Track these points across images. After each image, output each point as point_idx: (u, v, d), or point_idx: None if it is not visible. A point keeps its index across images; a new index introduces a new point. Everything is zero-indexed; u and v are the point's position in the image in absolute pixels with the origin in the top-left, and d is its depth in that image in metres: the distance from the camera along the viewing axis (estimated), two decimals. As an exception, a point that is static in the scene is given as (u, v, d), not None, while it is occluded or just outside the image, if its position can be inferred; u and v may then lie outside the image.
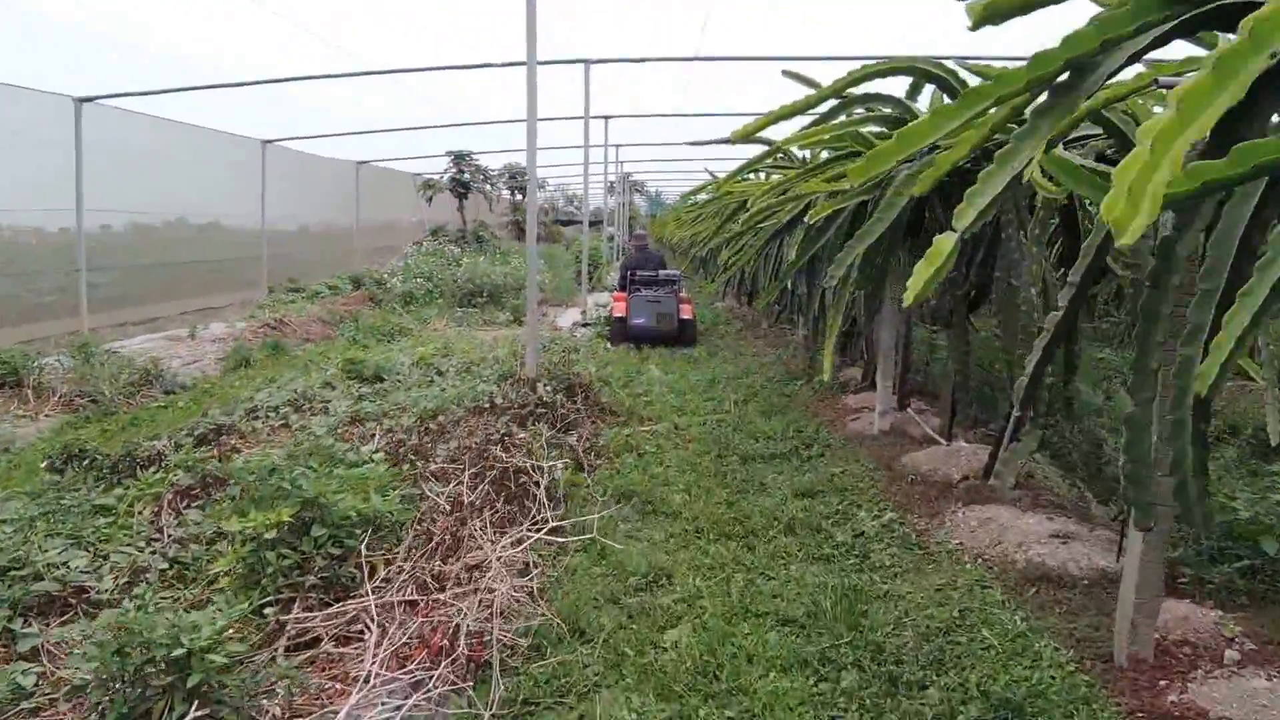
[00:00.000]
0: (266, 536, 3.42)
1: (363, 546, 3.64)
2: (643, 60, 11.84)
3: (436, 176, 23.12)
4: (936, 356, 7.98)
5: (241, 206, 17.13)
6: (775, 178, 7.71)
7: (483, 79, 30.00)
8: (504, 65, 12.14)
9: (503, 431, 5.66)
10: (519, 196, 32.23)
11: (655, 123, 25.65)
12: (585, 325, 12.42)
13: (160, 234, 15.04)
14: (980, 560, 4.23)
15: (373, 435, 5.88)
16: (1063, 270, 4.80)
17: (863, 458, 5.92)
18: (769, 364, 9.45)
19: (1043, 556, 4.07)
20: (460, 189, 22.97)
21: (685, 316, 11.52)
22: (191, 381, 8.77)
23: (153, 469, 5.19)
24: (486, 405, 6.31)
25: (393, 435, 5.71)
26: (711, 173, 14.18)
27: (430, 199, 22.57)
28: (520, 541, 3.99)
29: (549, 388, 7.10)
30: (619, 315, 11.54)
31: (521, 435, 5.62)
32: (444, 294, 15.46)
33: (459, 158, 22.78)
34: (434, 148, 23.86)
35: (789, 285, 8.72)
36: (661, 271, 12.10)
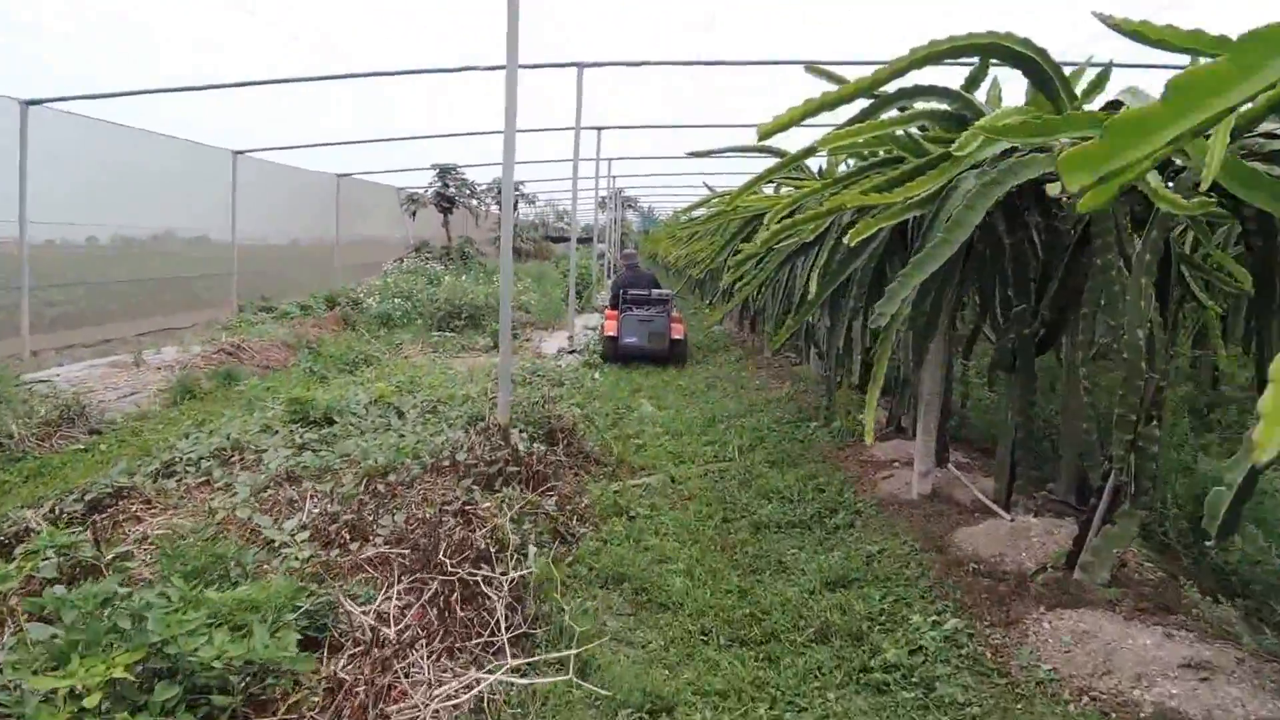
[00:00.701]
0: (87, 705, 2.29)
1: (238, 705, 2.51)
2: (641, 64, 10.77)
3: (421, 191, 22.00)
4: (975, 398, 6.88)
5: (211, 221, 16.00)
6: (786, 191, 6.64)
7: (470, 90, 28.90)
8: (488, 69, 11.08)
9: (464, 500, 4.53)
10: (508, 212, 31.16)
11: (650, 137, 24.70)
12: (572, 352, 11.28)
13: (119, 249, 13.90)
14: (1088, 700, 3.12)
15: (307, 497, 4.75)
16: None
17: (903, 531, 4.80)
18: (776, 400, 8.33)
19: (1177, 700, 2.97)
20: (445, 204, 21.88)
21: (676, 336, 11.35)
22: (123, 418, 7.61)
23: (18, 550, 4.04)
24: (447, 462, 5.18)
25: (329, 503, 4.57)
26: (710, 187, 13.11)
27: (414, 213, 21.46)
28: (470, 687, 2.86)
29: (525, 434, 5.99)
30: (610, 334, 11.33)
31: (486, 505, 4.49)
32: (423, 315, 14.33)
33: (444, 171, 21.70)
34: (419, 160, 22.81)
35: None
36: (654, 291, 11.87)
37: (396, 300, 14.93)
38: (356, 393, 6.91)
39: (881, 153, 4.76)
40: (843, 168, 6.61)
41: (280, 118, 20.97)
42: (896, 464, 5.79)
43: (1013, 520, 4.48)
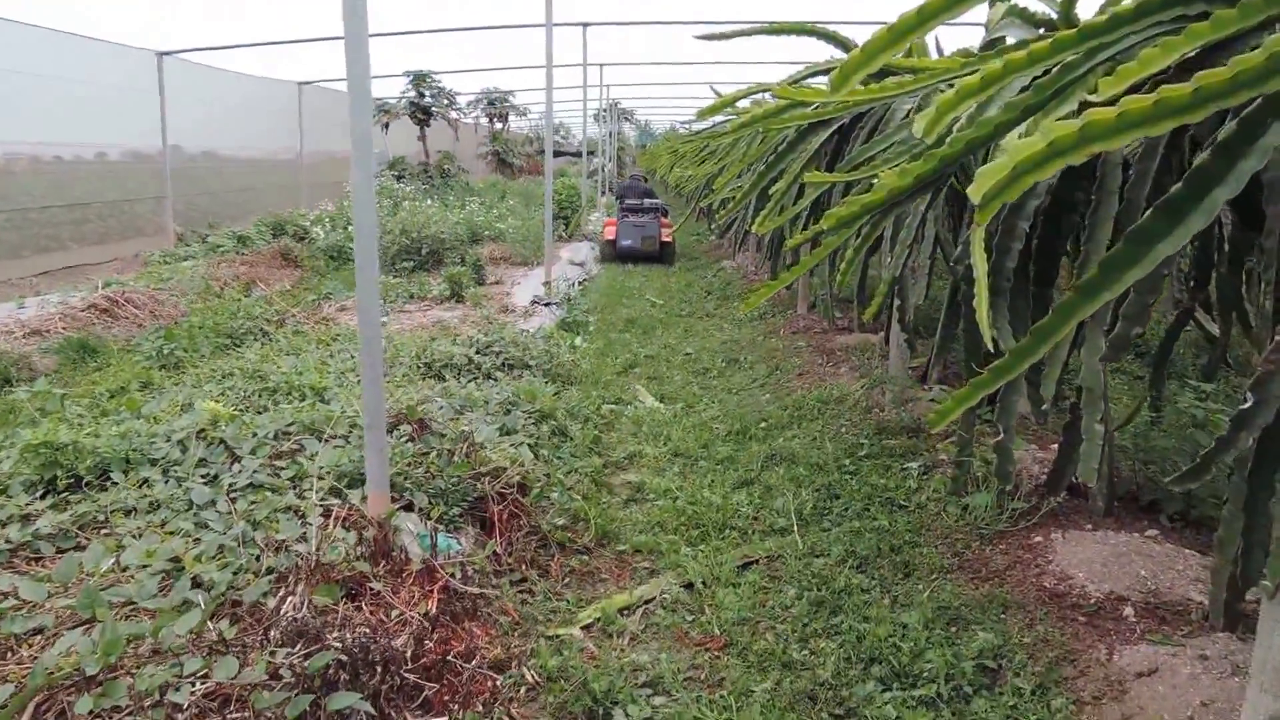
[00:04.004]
0: None
1: None
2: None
3: (393, 101, 18.59)
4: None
5: (145, 138, 12.82)
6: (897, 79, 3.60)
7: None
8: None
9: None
10: (498, 124, 27.64)
11: (645, 37, 21.12)
12: (548, 304, 8.37)
13: (25, 171, 10.79)
14: None
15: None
16: None
17: None
18: (834, 403, 5.41)
19: None
20: (421, 115, 18.48)
21: (665, 239, 12.97)
22: None
23: None
24: (251, 616, 2.34)
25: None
26: (719, 94, 9.94)
27: (386, 126, 18.10)
28: None
29: (430, 517, 3.18)
30: (609, 238, 13.09)
31: None
32: (383, 249, 11.35)
33: (419, 79, 18.23)
34: (393, 66, 19.32)
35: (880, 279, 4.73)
36: (646, 200, 13.25)
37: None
38: (177, 421, 4.01)
39: None
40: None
41: (239, 13, 17.53)
42: (1128, 612, 2.86)
43: None
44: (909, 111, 3.95)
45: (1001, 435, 2.83)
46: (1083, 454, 2.39)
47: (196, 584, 2.67)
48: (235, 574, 2.70)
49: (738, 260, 11.92)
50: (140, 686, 2.13)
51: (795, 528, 3.78)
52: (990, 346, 2.27)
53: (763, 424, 5.21)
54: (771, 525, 3.84)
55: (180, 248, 12.08)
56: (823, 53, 6.08)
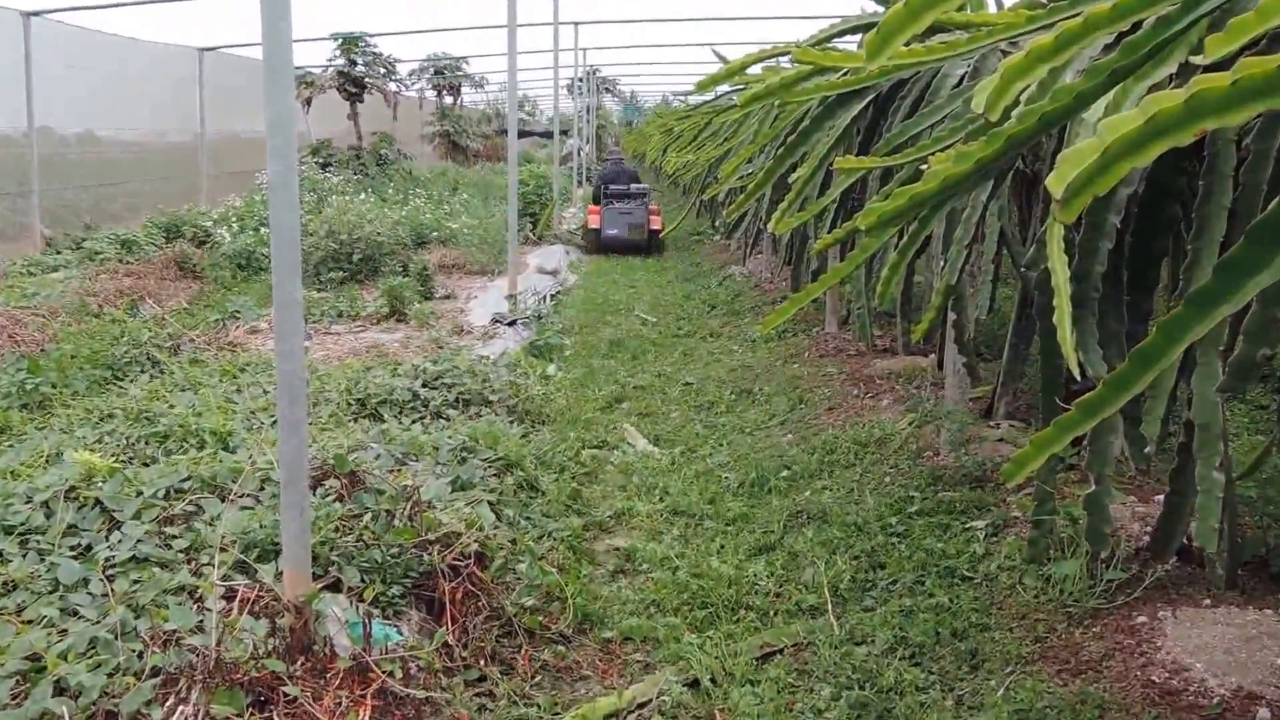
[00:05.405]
0: None
1: None
2: None
3: (318, 71, 18.64)
4: None
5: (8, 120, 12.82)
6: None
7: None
8: None
9: None
10: (448, 99, 27.79)
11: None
12: (512, 322, 8.36)
13: None
14: None
15: None
16: None
17: None
18: (874, 443, 5.36)
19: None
20: (351, 88, 18.50)
21: (654, 227, 14.59)
22: None
23: None
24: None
25: None
26: (722, 57, 10.01)
27: (308, 102, 18.09)
28: None
29: (362, 598, 3.14)
30: (593, 227, 14.75)
31: None
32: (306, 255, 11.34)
33: (349, 42, 18.28)
34: (317, 27, 19.41)
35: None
36: (633, 185, 14.90)
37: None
38: (41, 477, 3.93)
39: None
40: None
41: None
42: (1263, 714, 2.76)
43: None
44: (962, 77, 3.96)
45: (1093, 486, 2.79)
46: (1197, 509, 2.35)
47: (61, 690, 2.62)
48: (111, 676, 2.65)
49: (749, 266, 11.96)
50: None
51: (829, 607, 3.71)
52: (1076, 373, 2.24)
53: (784, 473, 5.17)
54: (798, 604, 3.78)
55: (49, 255, 12.00)
56: (851, 4, 6.11)
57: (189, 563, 3.34)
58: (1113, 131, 1.74)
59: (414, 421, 5.21)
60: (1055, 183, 1.79)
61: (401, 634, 3.16)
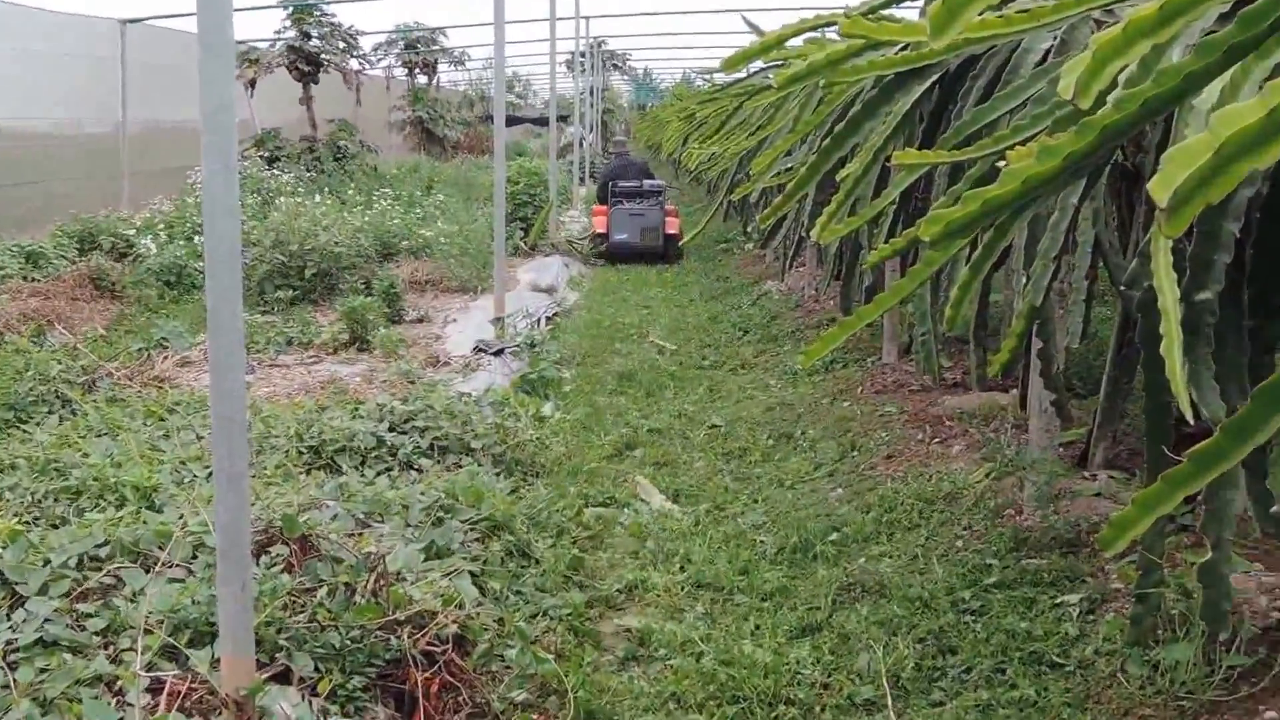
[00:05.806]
0: None
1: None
2: None
3: (264, 46, 18.98)
4: None
5: None
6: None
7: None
8: None
9: None
10: (422, 79, 28.18)
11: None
12: (499, 351, 8.49)
13: None
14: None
15: None
16: None
17: None
18: (942, 499, 5.42)
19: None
20: (305, 66, 18.84)
21: (671, 231, 15.09)
22: None
23: None
24: None
25: None
26: (754, 25, 10.17)
27: (252, 84, 18.43)
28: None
29: (317, 687, 3.19)
30: (600, 231, 15.35)
31: None
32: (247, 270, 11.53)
33: (302, 11, 18.64)
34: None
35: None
36: (645, 182, 15.38)
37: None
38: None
39: None
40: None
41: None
42: None
43: None
44: (1046, 53, 4.04)
45: (1210, 552, 2.82)
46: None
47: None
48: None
49: (788, 281, 12.11)
50: None
51: (889, 701, 3.75)
52: (1188, 415, 2.27)
53: (833, 536, 5.21)
54: (850, 697, 3.81)
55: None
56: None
57: (107, 647, 3.41)
58: (1229, 125, 1.78)
59: (379, 474, 5.28)
60: (1159, 187, 1.83)
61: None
